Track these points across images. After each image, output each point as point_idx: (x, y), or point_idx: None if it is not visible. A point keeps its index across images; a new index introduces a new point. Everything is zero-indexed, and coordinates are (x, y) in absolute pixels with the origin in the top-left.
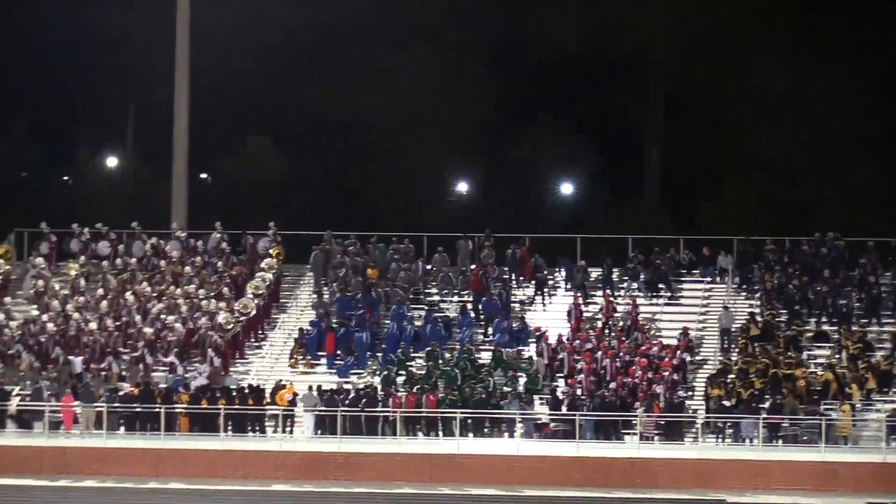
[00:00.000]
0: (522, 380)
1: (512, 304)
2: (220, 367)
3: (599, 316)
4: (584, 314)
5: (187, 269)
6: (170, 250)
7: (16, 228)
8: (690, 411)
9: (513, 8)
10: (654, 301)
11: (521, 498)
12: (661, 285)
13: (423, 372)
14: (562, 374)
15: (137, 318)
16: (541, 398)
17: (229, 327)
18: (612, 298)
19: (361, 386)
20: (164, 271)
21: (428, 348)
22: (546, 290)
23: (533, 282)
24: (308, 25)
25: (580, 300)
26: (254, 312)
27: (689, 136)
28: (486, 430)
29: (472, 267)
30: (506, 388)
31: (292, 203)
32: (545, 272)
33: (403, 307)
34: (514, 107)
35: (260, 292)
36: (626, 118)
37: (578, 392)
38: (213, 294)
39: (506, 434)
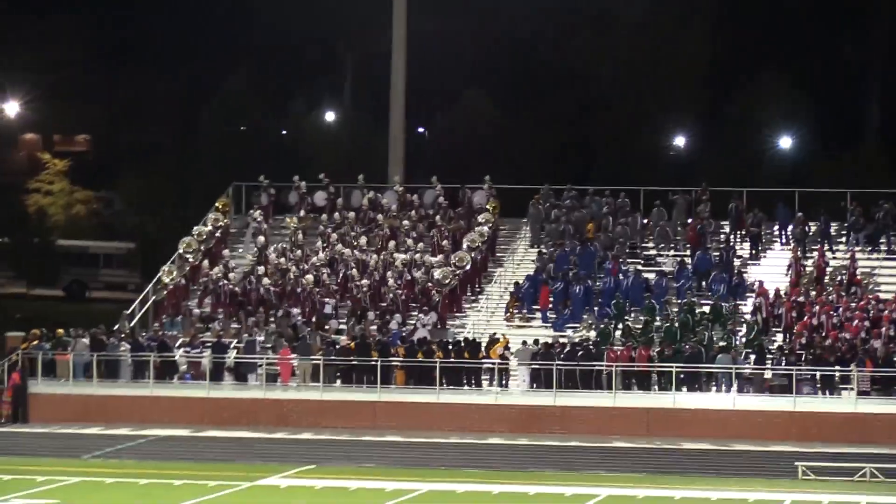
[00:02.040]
0: (740, 334)
1: (732, 259)
2: (436, 321)
3: (813, 270)
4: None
5: (405, 222)
6: (387, 204)
7: (234, 182)
8: None
9: None
10: (873, 256)
11: (734, 452)
12: (881, 239)
13: (640, 326)
14: (779, 329)
15: (354, 271)
16: (757, 352)
17: (446, 282)
18: (826, 252)
19: (577, 340)
20: (382, 225)
21: (645, 303)
22: (760, 244)
23: (747, 236)
24: None
25: (799, 254)
26: (469, 266)
27: None
28: (699, 384)
29: (689, 221)
30: (722, 343)
31: (508, 156)
32: (762, 227)
33: (620, 261)
34: (732, 60)
35: (476, 245)
36: (846, 70)
37: (796, 347)
38: (429, 248)
39: (715, 388)
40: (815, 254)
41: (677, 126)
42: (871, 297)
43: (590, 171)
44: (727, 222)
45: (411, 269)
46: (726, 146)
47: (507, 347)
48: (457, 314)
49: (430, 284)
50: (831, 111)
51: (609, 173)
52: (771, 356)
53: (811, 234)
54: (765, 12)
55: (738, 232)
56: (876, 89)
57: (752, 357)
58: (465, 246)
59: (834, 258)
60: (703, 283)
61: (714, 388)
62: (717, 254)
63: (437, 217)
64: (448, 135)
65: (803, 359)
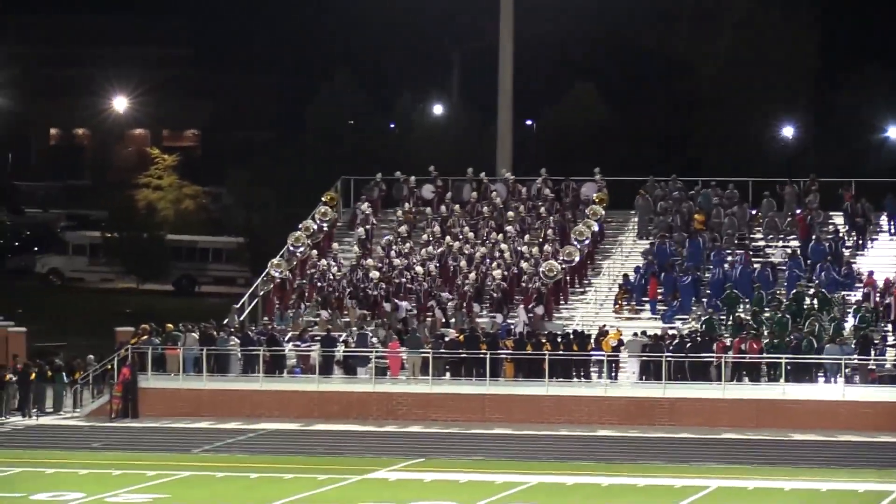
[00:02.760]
0: (848, 324)
1: (841, 250)
2: (542, 314)
3: None
4: None
5: (510, 214)
6: (494, 196)
7: (342, 176)
8: None
9: None
10: None
11: (844, 443)
12: None
13: (749, 317)
14: (889, 319)
15: (462, 263)
16: (863, 343)
17: (552, 274)
18: None
19: (686, 331)
20: (488, 217)
21: (754, 294)
22: (866, 234)
23: (853, 227)
24: None
25: None
26: (577, 259)
27: None
28: (809, 375)
29: (798, 212)
30: (830, 333)
31: (616, 149)
32: (869, 216)
33: (728, 252)
34: (840, 50)
35: (583, 239)
36: None
37: None
38: (536, 240)
39: (824, 379)
40: None
41: (785, 117)
42: None
43: (698, 162)
44: (837, 213)
45: (518, 262)
46: (834, 137)
47: (620, 340)
48: (564, 306)
49: (535, 277)
50: None
51: (717, 164)
52: (877, 346)
53: None
54: (872, 1)
55: (850, 223)
56: None
57: (863, 347)
58: (572, 239)
59: None
60: (813, 274)
61: (822, 379)
62: (827, 244)
63: (543, 209)
64: (556, 127)
65: None
